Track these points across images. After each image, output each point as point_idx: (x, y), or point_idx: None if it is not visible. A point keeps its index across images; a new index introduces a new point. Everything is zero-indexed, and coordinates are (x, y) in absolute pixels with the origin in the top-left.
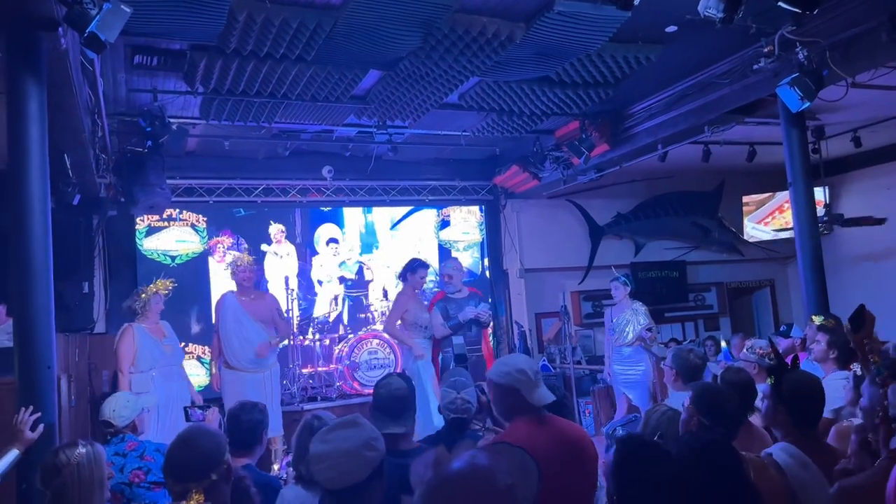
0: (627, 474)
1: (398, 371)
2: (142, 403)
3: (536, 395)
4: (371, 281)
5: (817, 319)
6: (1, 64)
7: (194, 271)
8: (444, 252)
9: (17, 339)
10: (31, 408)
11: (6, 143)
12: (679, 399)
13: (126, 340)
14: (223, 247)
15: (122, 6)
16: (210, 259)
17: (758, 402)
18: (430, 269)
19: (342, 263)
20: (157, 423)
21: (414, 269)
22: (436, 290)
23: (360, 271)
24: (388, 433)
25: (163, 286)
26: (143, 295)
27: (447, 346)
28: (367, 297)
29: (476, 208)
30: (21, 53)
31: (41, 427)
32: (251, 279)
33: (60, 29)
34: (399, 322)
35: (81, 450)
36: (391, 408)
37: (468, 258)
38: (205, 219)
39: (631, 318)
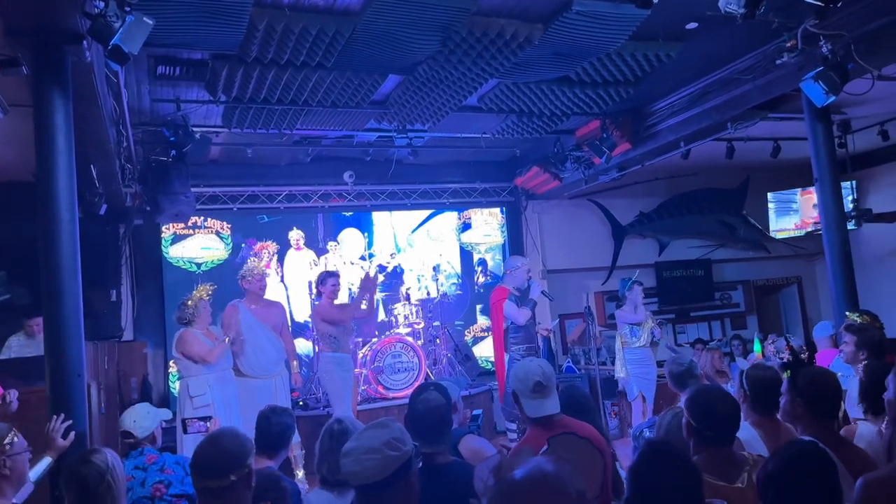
0: (647, 480)
1: (422, 375)
2: (161, 416)
3: (529, 407)
4: (403, 283)
5: (853, 316)
6: (28, 77)
7: (219, 278)
8: (467, 255)
9: (47, 347)
10: (63, 416)
11: (34, 155)
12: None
13: (190, 338)
14: (269, 252)
15: (145, 18)
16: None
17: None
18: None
19: (381, 267)
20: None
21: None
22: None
23: (396, 273)
24: (425, 452)
25: (205, 291)
26: (191, 302)
27: (515, 343)
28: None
29: (497, 210)
30: (47, 67)
31: (73, 435)
32: (264, 288)
33: (85, 42)
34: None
35: (109, 456)
36: (428, 424)
37: (490, 261)
38: (229, 226)
39: (649, 321)
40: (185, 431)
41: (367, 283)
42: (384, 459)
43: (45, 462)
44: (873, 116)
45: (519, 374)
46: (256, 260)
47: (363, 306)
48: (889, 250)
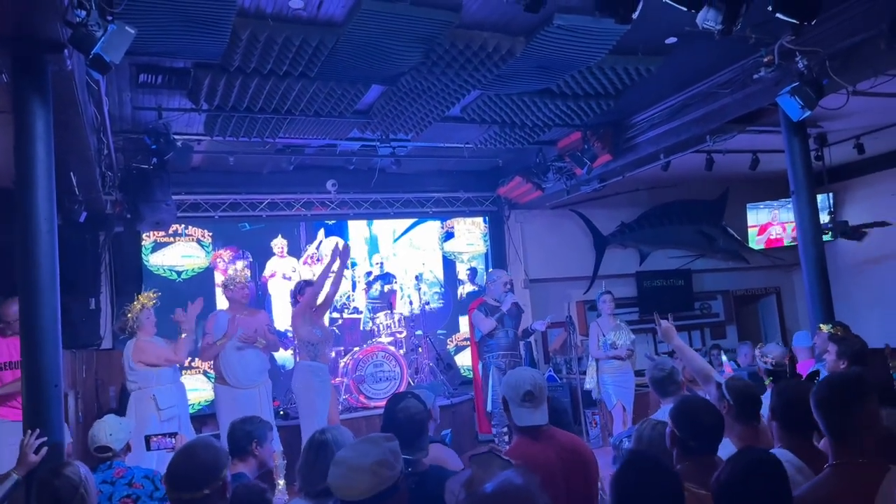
0: (630, 490)
1: (404, 384)
2: (128, 426)
3: (518, 415)
4: (394, 292)
5: (825, 328)
6: (8, 85)
7: (200, 286)
8: (449, 264)
9: (23, 356)
10: (38, 431)
11: (13, 162)
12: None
13: (146, 345)
14: (223, 261)
15: (127, 28)
16: (216, 274)
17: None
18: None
19: (368, 274)
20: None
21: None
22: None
23: (388, 281)
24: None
25: (147, 299)
26: (129, 314)
27: (487, 351)
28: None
29: (480, 220)
30: (27, 75)
31: (44, 451)
32: (248, 296)
33: (66, 51)
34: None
35: (82, 469)
36: (408, 432)
37: (479, 269)
38: (210, 234)
39: (623, 331)
40: (147, 448)
41: (340, 253)
42: (369, 482)
43: (12, 480)
44: (849, 130)
45: (511, 382)
46: (236, 268)
47: (332, 273)
48: (863, 259)
